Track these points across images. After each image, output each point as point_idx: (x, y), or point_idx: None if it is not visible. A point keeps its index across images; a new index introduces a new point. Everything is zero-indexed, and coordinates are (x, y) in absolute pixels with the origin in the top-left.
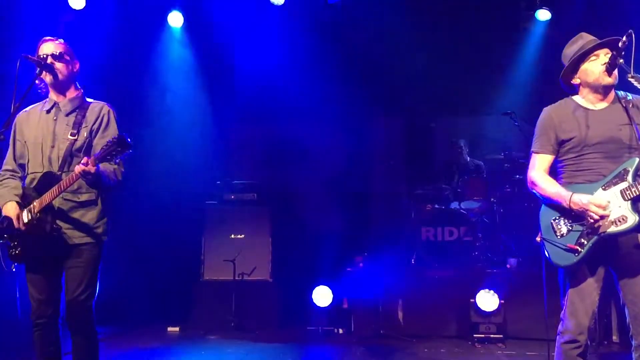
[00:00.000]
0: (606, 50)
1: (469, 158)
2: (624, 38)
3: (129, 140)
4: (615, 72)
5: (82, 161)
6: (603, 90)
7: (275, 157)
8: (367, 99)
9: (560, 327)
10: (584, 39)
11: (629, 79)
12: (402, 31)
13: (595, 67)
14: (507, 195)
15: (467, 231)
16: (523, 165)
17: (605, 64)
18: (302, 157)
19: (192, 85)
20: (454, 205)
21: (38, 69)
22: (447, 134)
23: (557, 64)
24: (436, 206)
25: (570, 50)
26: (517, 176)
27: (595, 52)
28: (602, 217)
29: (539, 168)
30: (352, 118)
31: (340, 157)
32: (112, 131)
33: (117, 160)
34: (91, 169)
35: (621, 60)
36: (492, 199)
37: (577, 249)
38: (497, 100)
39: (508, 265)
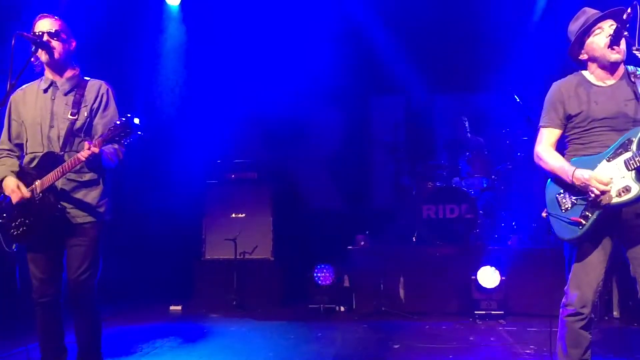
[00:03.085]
0: (610, 22)
1: (469, 135)
2: (629, 10)
3: (136, 123)
4: (622, 46)
5: (85, 147)
6: (610, 65)
7: (275, 135)
8: (366, 76)
9: (564, 299)
10: (587, 14)
11: (634, 52)
12: (401, 7)
13: (600, 40)
14: (508, 172)
15: (468, 208)
16: (524, 142)
17: (609, 35)
18: (302, 136)
19: (191, 64)
20: (455, 182)
21: (34, 47)
22: (447, 111)
23: (558, 39)
24: (437, 184)
25: (575, 25)
26: (519, 153)
27: (599, 25)
28: (603, 193)
29: (545, 142)
30: (352, 96)
31: (341, 135)
32: (112, 110)
33: (125, 142)
34: (95, 150)
35: (626, 33)
36: (493, 176)
37: (581, 222)
38: (498, 76)
39: (509, 242)
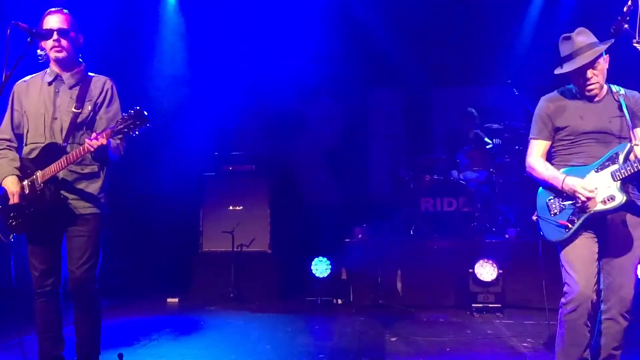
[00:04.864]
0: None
1: (475, 130)
2: (629, 2)
3: (146, 114)
4: (597, 86)
5: (92, 136)
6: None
7: (273, 128)
8: (365, 68)
9: (563, 299)
10: (576, 44)
11: (634, 45)
12: (400, 1)
13: (583, 82)
14: (506, 165)
15: (466, 202)
16: (523, 136)
17: (590, 84)
18: (300, 128)
19: (190, 56)
20: (453, 175)
21: (29, 38)
22: (446, 104)
23: (557, 33)
24: (435, 177)
25: (564, 48)
26: (517, 147)
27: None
28: (588, 199)
29: (536, 154)
30: (351, 88)
31: (339, 128)
32: (116, 106)
33: (134, 133)
34: (103, 141)
35: (626, 26)
36: (491, 170)
37: (568, 225)
38: (496, 69)
39: (507, 236)
